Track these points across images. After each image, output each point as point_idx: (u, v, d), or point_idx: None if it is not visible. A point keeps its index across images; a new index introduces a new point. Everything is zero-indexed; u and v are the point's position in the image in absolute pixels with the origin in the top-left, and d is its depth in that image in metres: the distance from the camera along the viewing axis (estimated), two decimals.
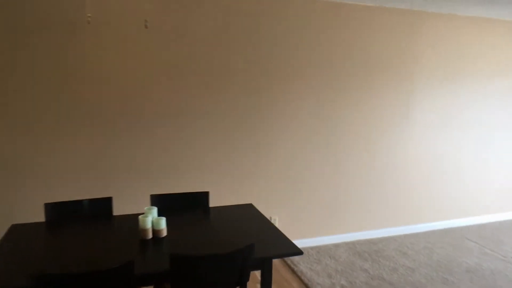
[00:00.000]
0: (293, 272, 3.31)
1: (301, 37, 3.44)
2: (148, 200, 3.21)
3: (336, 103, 3.66)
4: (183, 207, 2.64)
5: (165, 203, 2.62)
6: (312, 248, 3.76)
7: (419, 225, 4.23)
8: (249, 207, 2.63)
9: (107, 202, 2.50)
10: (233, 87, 3.31)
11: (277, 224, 3.66)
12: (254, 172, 3.50)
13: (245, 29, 3.25)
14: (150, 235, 2.08)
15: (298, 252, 1.97)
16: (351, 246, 3.81)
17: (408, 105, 3.94)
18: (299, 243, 3.76)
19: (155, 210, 2.21)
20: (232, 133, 3.37)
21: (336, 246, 3.81)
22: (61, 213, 2.40)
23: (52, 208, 2.38)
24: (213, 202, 3.41)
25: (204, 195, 2.70)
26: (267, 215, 3.62)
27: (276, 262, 3.49)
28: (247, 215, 2.47)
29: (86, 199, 2.48)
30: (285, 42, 3.39)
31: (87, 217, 2.40)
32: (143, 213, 2.44)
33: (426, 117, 4.03)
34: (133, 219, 2.37)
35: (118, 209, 3.13)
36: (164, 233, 2.11)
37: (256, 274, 3.25)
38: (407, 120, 3.96)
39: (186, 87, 3.18)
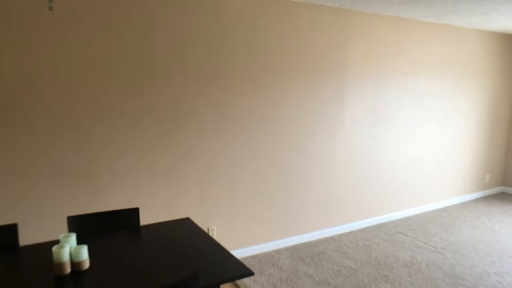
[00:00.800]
0: (236, 286, 3.08)
1: (227, 33, 3.22)
2: (64, 223, 2.75)
3: (266, 104, 3.51)
4: (109, 229, 2.26)
5: (86, 226, 2.22)
6: (254, 257, 3.56)
7: (355, 223, 4.27)
8: (186, 222, 2.35)
9: (10, 230, 2.04)
10: (157, 89, 2.98)
11: (215, 235, 3.40)
12: (187, 181, 3.21)
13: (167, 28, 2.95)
14: (68, 270, 1.71)
15: (248, 273, 1.74)
16: (293, 251, 3.69)
17: (339, 102, 3.94)
18: (240, 253, 3.55)
19: (73, 237, 1.83)
20: (161, 141, 3.04)
21: (278, 252, 3.67)
22: None
23: None
24: (144, 220, 3.04)
25: (133, 213, 2.35)
26: (205, 227, 3.34)
27: None
28: (184, 232, 2.18)
29: None
30: (206, 40, 3.15)
31: None
32: (57, 241, 2.03)
33: (356, 114, 4.07)
34: (45, 249, 1.95)
35: (26, 238, 2.63)
36: (86, 265, 1.75)
37: None
38: (339, 117, 3.96)
39: (103, 88, 2.78)
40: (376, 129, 4.23)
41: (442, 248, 3.81)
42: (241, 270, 1.75)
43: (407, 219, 4.59)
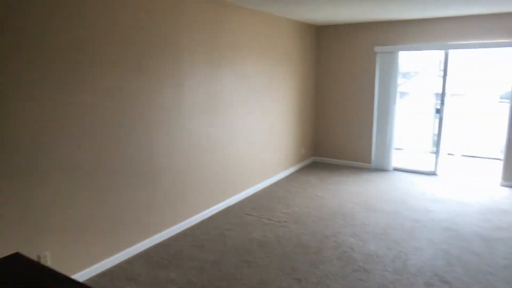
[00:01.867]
0: None
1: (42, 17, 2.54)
2: None
3: (100, 97, 2.98)
4: None
5: None
6: (102, 275, 3.04)
7: (203, 213, 4.18)
8: (14, 259, 1.73)
9: None
10: None
11: (49, 262, 2.72)
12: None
13: None
14: None
15: None
16: (147, 257, 3.32)
17: (177, 90, 3.70)
18: (84, 274, 2.96)
19: None
20: None
21: (130, 262, 3.24)
22: None
23: None
24: None
25: None
26: (35, 253, 2.63)
27: None
28: (10, 275, 1.60)
29: None
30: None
31: None
32: None
33: (195, 101, 3.91)
34: None
35: None
36: None
37: None
38: (177, 106, 3.72)
39: None
40: (213, 114, 4.19)
41: (285, 221, 4.12)
42: None
43: (249, 200, 4.79)
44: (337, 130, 6.47)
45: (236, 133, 4.59)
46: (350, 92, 6.23)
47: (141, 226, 3.44)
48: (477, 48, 5.23)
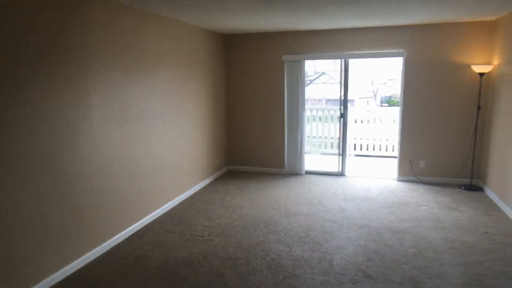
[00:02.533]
0: None
1: None
2: None
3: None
4: None
5: None
6: None
7: (119, 235, 3.83)
8: None
9: None
10: None
11: None
12: None
13: None
14: None
15: None
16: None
17: (86, 101, 3.34)
18: None
19: None
20: None
21: None
22: None
23: None
24: None
25: None
26: None
27: None
28: None
29: None
30: None
31: None
32: None
33: (104, 113, 3.58)
34: None
35: None
36: None
37: None
38: (84, 117, 3.36)
39: None
40: (125, 126, 3.88)
41: (209, 235, 3.99)
42: None
43: (168, 215, 4.54)
44: (250, 138, 6.54)
45: (149, 145, 4.32)
46: (261, 100, 6.36)
47: (50, 258, 2.99)
48: (371, 57, 5.76)
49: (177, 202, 4.96)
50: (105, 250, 3.61)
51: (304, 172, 6.40)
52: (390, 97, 22.23)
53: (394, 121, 7.98)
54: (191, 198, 5.19)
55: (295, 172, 6.38)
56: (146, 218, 4.27)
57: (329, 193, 5.31)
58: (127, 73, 3.85)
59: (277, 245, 3.71)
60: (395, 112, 8.34)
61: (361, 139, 8.03)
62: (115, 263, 3.40)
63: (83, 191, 3.33)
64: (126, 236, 3.92)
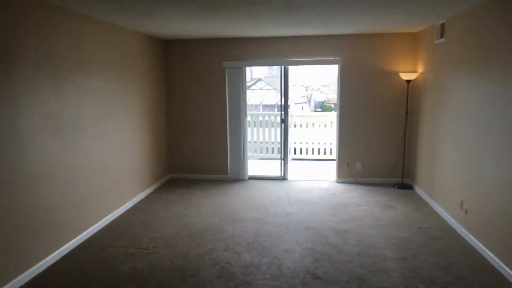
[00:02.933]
0: None
1: None
2: None
3: None
4: None
5: None
6: None
7: (53, 255, 3.52)
8: None
9: None
10: None
11: None
12: None
13: None
14: None
15: None
16: None
17: (11, 109, 3.05)
18: None
19: None
20: None
21: None
22: None
23: None
24: None
25: None
26: None
27: None
28: None
29: None
30: None
31: None
32: None
33: (33, 122, 3.29)
34: None
35: None
36: None
37: None
38: (10, 127, 3.06)
39: None
40: (58, 137, 3.60)
41: (154, 247, 3.83)
42: None
43: (108, 229, 4.28)
44: (193, 145, 6.43)
45: (85, 156, 4.06)
46: (203, 107, 6.28)
47: None
48: (310, 64, 5.97)
49: (118, 214, 4.70)
50: (39, 272, 3.30)
51: (247, 178, 6.43)
52: (323, 102, 23.23)
53: (331, 125, 8.33)
54: (133, 209, 4.95)
55: (238, 178, 6.38)
56: (85, 233, 3.99)
57: (273, 198, 5.38)
58: (59, 79, 3.58)
59: (225, 253, 3.67)
60: (332, 117, 8.73)
61: (300, 143, 8.26)
62: (51, 285, 3.12)
63: (5, 208, 3.02)
64: (63, 254, 3.62)
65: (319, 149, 8.19)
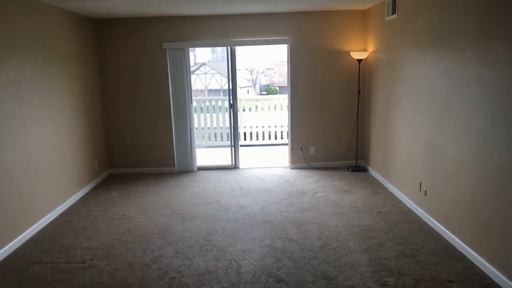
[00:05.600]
0: None
1: None
2: None
3: None
4: None
5: None
6: None
7: None
8: None
9: None
10: None
11: None
12: None
13: None
14: None
15: None
16: None
17: None
18: None
19: None
20: None
21: None
22: None
23: None
24: None
25: None
26: None
27: None
28: None
29: None
30: None
31: None
32: None
33: None
34: None
35: None
36: None
37: None
38: None
39: None
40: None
41: (91, 259, 3.30)
42: None
43: (34, 241, 3.66)
44: (133, 136, 5.82)
45: (5, 155, 3.38)
46: (143, 93, 5.68)
47: None
48: (257, 44, 5.57)
49: (48, 221, 4.07)
50: None
51: (196, 169, 5.97)
52: (268, 85, 23.05)
53: (281, 108, 8.04)
54: (66, 213, 4.32)
55: (186, 169, 5.90)
56: (4, 249, 3.35)
57: (225, 189, 5.00)
58: None
59: (175, 259, 3.24)
60: (279, 100, 8.46)
61: (250, 127, 7.89)
62: None
63: None
64: None
65: (269, 132, 7.87)
